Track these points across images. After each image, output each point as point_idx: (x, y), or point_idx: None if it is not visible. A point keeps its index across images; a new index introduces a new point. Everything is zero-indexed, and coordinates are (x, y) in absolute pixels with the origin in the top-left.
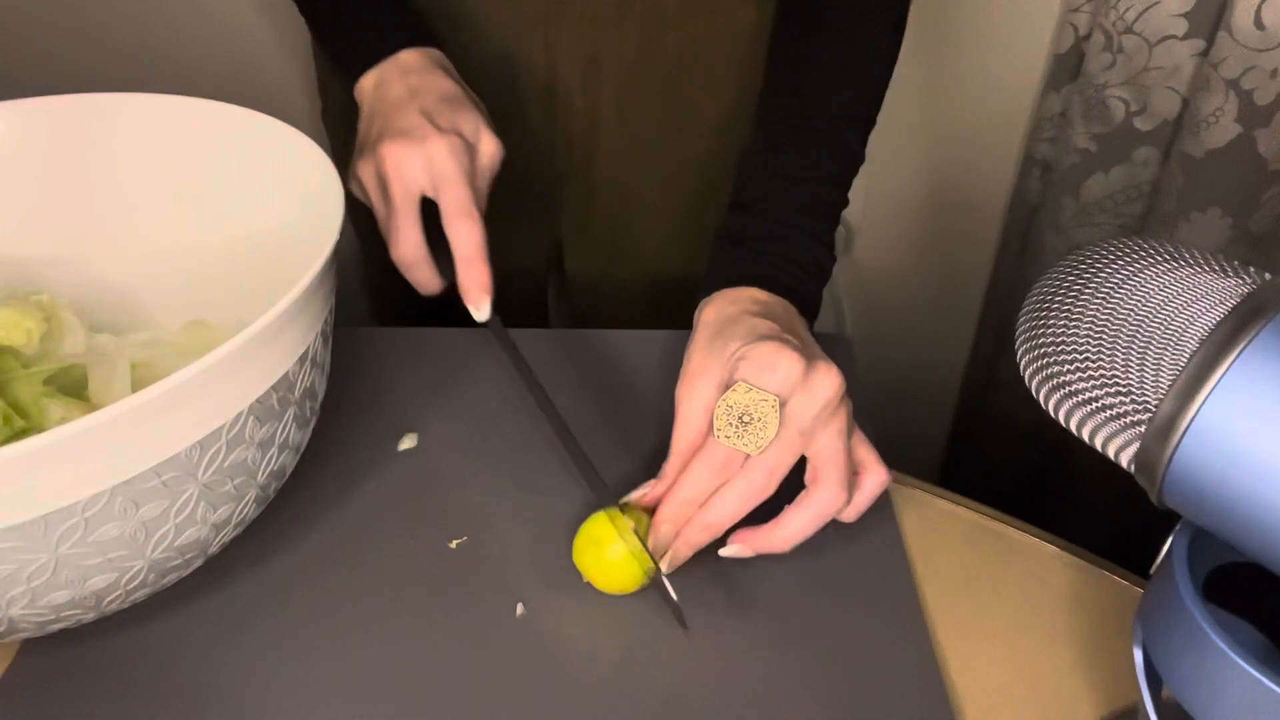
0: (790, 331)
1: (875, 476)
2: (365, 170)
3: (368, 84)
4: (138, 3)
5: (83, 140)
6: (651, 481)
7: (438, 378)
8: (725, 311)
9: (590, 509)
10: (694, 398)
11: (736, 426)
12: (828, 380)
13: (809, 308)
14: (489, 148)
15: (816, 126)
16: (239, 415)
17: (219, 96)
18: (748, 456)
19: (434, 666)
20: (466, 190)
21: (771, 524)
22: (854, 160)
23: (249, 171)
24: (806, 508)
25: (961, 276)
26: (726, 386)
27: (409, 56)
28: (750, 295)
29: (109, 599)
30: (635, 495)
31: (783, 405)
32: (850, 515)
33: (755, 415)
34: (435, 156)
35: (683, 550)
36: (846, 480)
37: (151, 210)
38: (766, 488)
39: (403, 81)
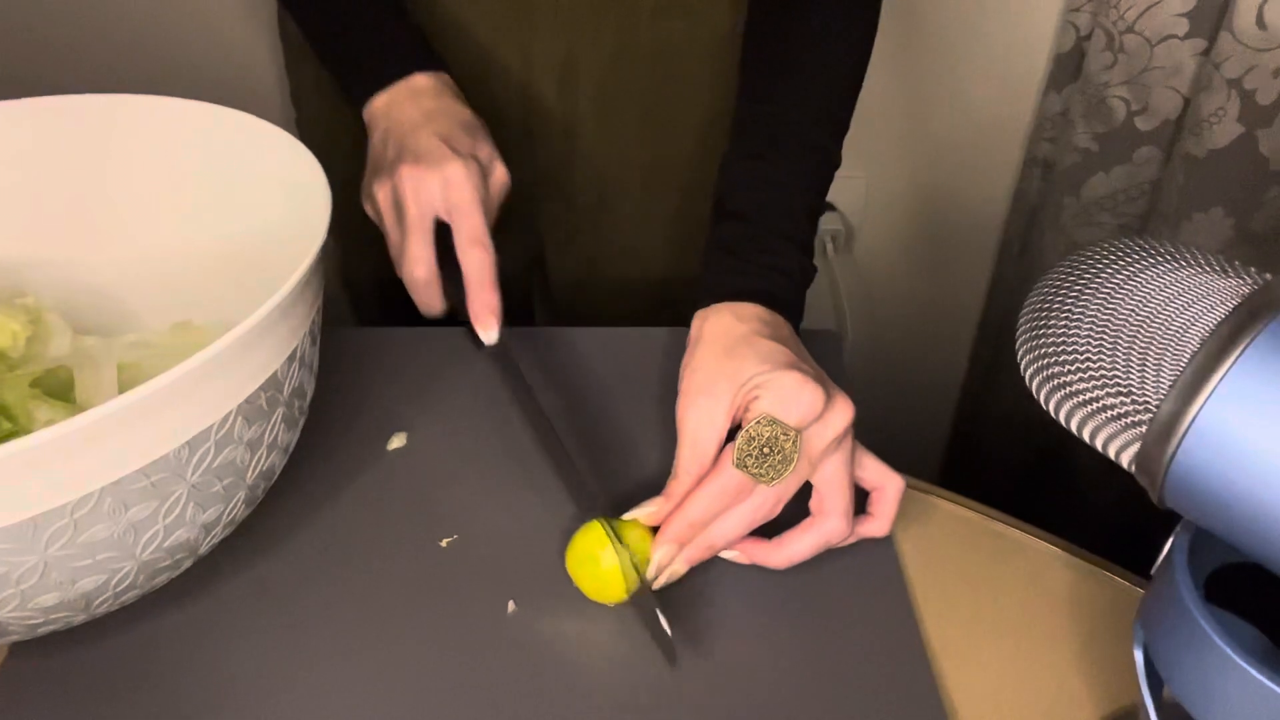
0: (799, 356)
1: (893, 486)
2: (381, 191)
3: (379, 105)
4: (124, 4)
5: (68, 142)
6: (657, 500)
7: (427, 377)
8: (732, 329)
9: (583, 517)
10: (701, 417)
11: (757, 457)
12: (843, 414)
13: (797, 319)
14: (500, 175)
15: (799, 133)
16: (227, 416)
17: (198, 97)
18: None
19: (425, 665)
20: (480, 217)
21: (774, 543)
22: (834, 165)
23: (235, 172)
24: (811, 533)
25: (962, 276)
26: (736, 409)
27: (421, 80)
28: (755, 313)
29: (98, 601)
30: (641, 514)
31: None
32: (882, 530)
33: (777, 448)
34: (452, 181)
35: (680, 567)
36: (850, 509)
37: (138, 211)
38: (772, 512)
39: (416, 105)
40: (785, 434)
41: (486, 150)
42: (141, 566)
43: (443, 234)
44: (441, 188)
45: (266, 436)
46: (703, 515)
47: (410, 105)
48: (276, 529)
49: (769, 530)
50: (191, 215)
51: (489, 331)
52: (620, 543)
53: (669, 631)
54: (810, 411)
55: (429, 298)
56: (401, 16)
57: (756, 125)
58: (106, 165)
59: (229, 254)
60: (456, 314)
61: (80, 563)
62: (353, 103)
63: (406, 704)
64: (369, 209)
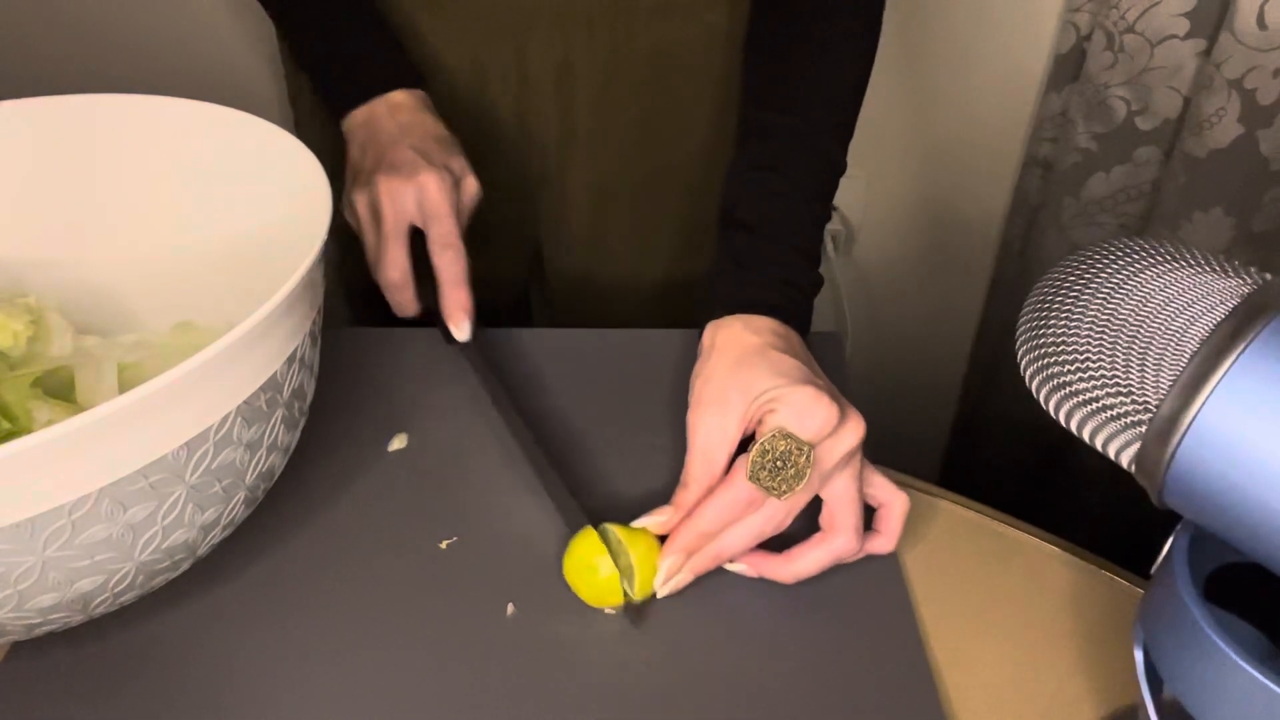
0: (812, 370)
1: (900, 503)
2: (360, 199)
3: (358, 119)
4: (126, 6)
5: (70, 142)
6: (666, 508)
7: (428, 378)
8: (745, 340)
9: (571, 530)
10: (712, 428)
11: (770, 470)
12: (855, 430)
13: (805, 330)
14: (472, 187)
15: (807, 143)
16: (226, 417)
17: (199, 98)
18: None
19: (424, 667)
20: (453, 223)
21: (783, 557)
22: (840, 172)
23: (236, 172)
24: (821, 549)
25: (962, 276)
26: (748, 420)
27: (399, 96)
28: (768, 325)
29: (97, 602)
30: (650, 522)
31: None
32: (888, 547)
33: (790, 462)
34: (426, 190)
35: (686, 578)
36: (860, 525)
37: (139, 211)
38: (781, 525)
39: (393, 119)
40: (799, 448)
41: (459, 162)
42: (140, 567)
43: (418, 241)
44: (416, 196)
45: (266, 437)
46: (712, 525)
47: (387, 119)
48: (276, 530)
49: (773, 544)
50: (192, 215)
51: (461, 328)
52: (613, 550)
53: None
54: (825, 427)
55: (404, 298)
56: (384, 32)
57: (762, 134)
58: (108, 165)
59: (229, 254)
60: (431, 316)
61: (78, 563)
62: (333, 114)
63: (406, 705)
64: (349, 217)
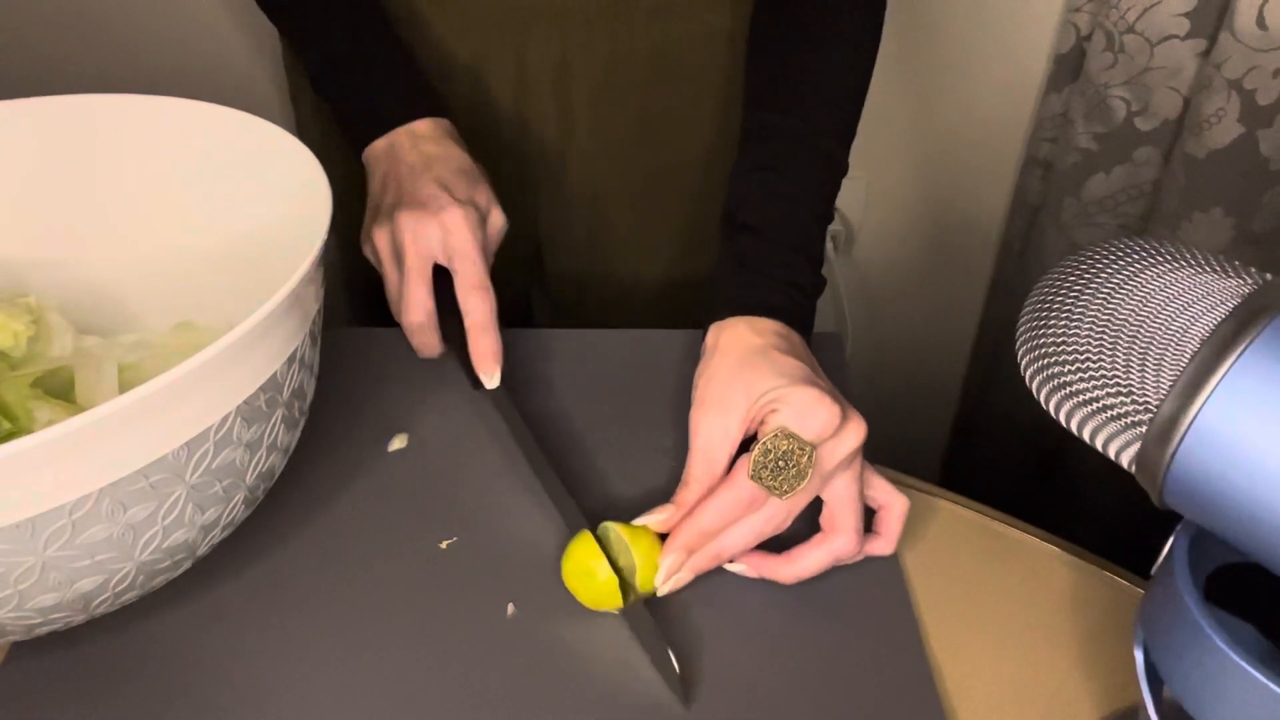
0: (814, 371)
1: (900, 505)
2: (381, 236)
3: (379, 149)
4: (126, 6)
5: (71, 142)
6: (668, 506)
7: (428, 378)
8: (748, 341)
9: (571, 532)
10: (714, 427)
11: (772, 470)
12: (856, 432)
13: (808, 332)
14: (498, 221)
15: (810, 144)
16: (226, 417)
17: (199, 98)
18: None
19: (424, 667)
20: (480, 263)
21: (784, 557)
22: (842, 173)
23: (236, 172)
24: (821, 549)
25: (962, 276)
26: (751, 421)
27: (422, 126)
28: (771, 328)
29: (97, 601)
30: (651, 520)
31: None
32: (888, 549)
33: (792, 462)
34: (452, 228)
35: (686, 576)
36: (860, 526)
37: (139, 211)
38: (782, 525)
39: (416, 150)
40: (801, 448)
41: (485, 196)
42: (140, 567)
43: (439, 278)
44: (440, 234)
45: (266, 437)
46: (713, 524)
47: (410, 150)
48: (276, 530)
49: (773, 545)
50: (192, 215)
51: (491, 375)
52: (614, 548)
53: (678, 668)
54: (827, 427)
55: (427, 340)
56: (405, 57)
57: (765, 136)
58: (108, 165)
59: (229, 254)
60: (455, 357)
61: (79, 563)
62: (352, 145)
63: (406, 705)
64: (368, 252)
